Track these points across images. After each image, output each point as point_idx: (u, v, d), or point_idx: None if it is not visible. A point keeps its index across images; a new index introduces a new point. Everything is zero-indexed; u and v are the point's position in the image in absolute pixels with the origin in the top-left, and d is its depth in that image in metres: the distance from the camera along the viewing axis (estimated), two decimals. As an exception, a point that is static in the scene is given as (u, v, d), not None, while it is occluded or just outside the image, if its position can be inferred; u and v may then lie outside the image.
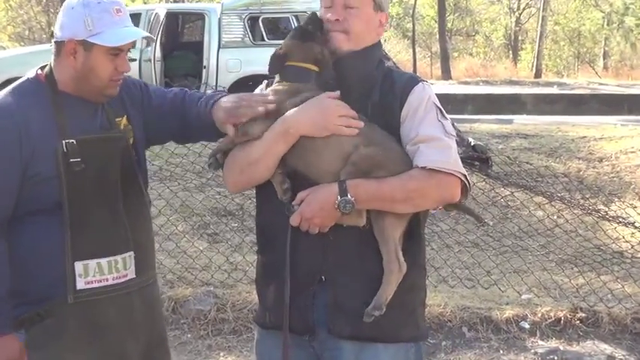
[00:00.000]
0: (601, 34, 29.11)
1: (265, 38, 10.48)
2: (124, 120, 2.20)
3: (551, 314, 4.39)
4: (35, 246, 2.08)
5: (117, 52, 2.07)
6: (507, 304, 4.60)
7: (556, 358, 4.05)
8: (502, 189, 5.75)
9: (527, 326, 4.34)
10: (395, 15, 30.19)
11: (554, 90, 15.85)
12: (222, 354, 4.14)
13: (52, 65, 2.12)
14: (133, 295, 2.18)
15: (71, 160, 2.04)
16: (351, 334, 2.01)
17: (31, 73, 2.15)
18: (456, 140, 2.11)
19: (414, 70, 21.26)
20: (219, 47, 10.41)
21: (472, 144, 4.88)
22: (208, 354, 4.15)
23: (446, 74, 21.45)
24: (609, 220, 5.47)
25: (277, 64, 2.09)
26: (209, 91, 2.51)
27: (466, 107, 13.43)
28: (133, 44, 2.16)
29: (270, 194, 2.06)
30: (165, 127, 2.27)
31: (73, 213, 2.06)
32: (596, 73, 24.92)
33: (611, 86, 17.17)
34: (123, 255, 2.14)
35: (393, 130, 2.03)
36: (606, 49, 29.12)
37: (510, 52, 31.24)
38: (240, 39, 10.53)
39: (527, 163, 6.55)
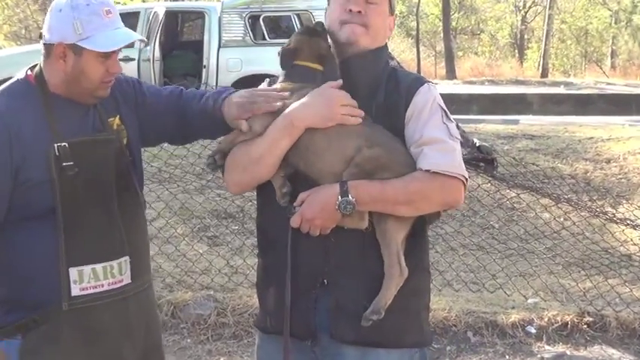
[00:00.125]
0: (609, 33, 29.05)
1: (266, 37, 10.37)
2: (117, 120, 2.15)
3: (558, 318, 4.35)
4: (29, 252, 2.04)
5: (108, 55, 2.03)
6: (513, 308, 4.55)
7: (563, 363, 4.01)
8: (508, 191, 5.69)
9: (533, 331, 4.30)
10: (399, 13, 30.15)
11: (561, 90, 15.80)
12: (222, 359, 4.10)
13: (41, 66, 2.08)
14: (129, 300, 2.15)
15: (64, 164, 2.00)
16: (354, 339, 1.97)
17: (20, 74, 2.11)
18: (461, 141, 2.07)
19: (418, 70, 21.26)
20: (219, 46, 10.32)
21: (477, 145, 4.82)
22: (208, 359, 4.11)
23: (450, 74, 21.42)
24: (617, 223, 5.42)
25: (288, 59, 2.07)
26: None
27: (471, 107, 13.39)
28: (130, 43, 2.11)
29: (271, 195, 2.03)
30: (161, 126, 2.23)
31: (66, 218, 2.02)
32: (604, 72, 24.87)
33: (618, 86, 17.12)
34: (118, 260, 2.11)
35: (397, 131, 2.00)
36: (614, 48, 29.05)
37: (516, 51, 31.21)
38: (240, 38, 10.43)
39: (533, 164, 6.53)
